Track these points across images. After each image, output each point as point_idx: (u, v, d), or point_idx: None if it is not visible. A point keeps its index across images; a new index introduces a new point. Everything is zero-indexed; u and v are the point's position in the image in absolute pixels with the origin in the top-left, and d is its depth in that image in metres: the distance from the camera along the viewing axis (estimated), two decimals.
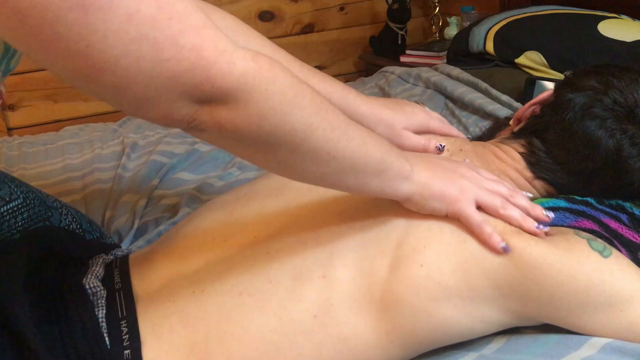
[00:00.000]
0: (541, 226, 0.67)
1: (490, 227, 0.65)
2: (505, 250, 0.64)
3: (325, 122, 0.57)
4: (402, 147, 0.77)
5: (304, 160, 0.57)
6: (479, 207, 0.67)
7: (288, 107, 0.54)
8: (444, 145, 0.81)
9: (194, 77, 0.48)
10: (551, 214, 0.69)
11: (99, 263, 0.75)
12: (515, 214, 0.67)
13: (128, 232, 1.11)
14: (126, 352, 0.64)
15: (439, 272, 0.64)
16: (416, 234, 0.67)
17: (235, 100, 0.50)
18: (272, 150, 0.56)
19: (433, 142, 0.81)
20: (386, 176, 0.63)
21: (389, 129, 0.80)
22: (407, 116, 0.82)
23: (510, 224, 0.67)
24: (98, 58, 0.45)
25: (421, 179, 0.66)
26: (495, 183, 0.70)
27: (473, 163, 0.79)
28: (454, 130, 0.84)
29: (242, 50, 0.51)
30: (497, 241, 0.64)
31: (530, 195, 0.72)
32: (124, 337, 0.65)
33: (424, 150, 0.81)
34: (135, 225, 1.12)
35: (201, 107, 0.50)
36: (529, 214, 0.68)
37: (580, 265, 0.64)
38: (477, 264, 0.65)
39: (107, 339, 0.65)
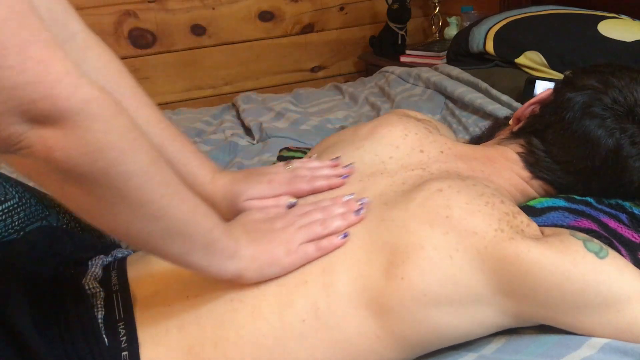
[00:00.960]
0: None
1: (326, 241, 0.68)
2: (345, 236, 0.68)
3: (161, 175, 0.55)
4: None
5: (132, 212, 0.54)
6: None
7: (127, 146, 0.51)
8: (295, 202, 0.77)
9: (35, 91, 0.45)
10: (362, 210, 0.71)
11: (98, 264, 0.75)
12: (338, 209, 0.71)
13: None
14: (124, 353, 0.64)
15: (423, 284, 0.64)
16: (397, 249, 0.66)
17: (74, 125, 0.47)
18: (101, 192, 0.51)
19: (283, 199, 0.77)
20: (213, 250, 0.62)
21: (232, 205, 0.77)
22: (250, 186, 0.78)
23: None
24: None
25: (247, 253, 0.65)
26: (308, 216, 0.71)
27: (458, 166, 0.78)
28: (300, 189, 0.78)
29: (89, 80, 0.48)
30: (335, 242, 0.68)
31: (350, 196, 0.73)
32: (121, 338, 0.65)
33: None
34: None
35: (33, 128, 0.46)
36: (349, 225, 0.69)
37: (575, 266, 0.63)
38: (470, 273, 0.64)
39: (105, 340, 0.65)
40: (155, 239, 0.58)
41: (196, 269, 0.63)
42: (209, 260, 0.62)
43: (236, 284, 0.67)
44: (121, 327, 0.66)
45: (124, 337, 0.65)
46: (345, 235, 0.68)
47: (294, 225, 0.70)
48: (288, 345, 0.65)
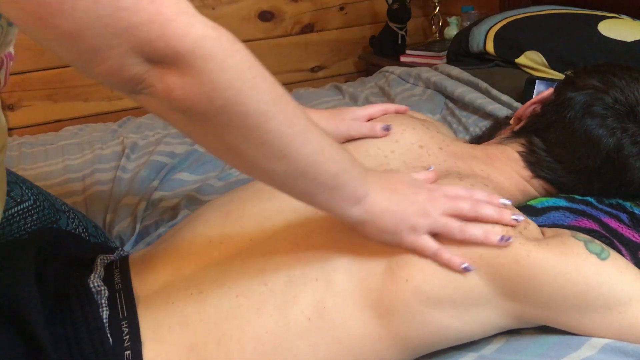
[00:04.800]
0: (506, 239, 0.64)
1: (448, 253, 0.63)
2: (467, 270, 0.63)
3: (283, 115, 0.54)
4: (349, 136, 0.80)
5: (254, 151, 0.54)
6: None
7: (245, 85, 0.51)
8: (389, 125, 0.80)
9: (149, 31, 0.46)
10: (520, 217, 0.66)
11: (101, 263, 0.75)
12: (476, 233, 0.64)
13: (130, 237, 1.11)
14: (127, 352, 0.64)
15: (427, 286, 0.64)
16: (400, 250, 0.66)
17: (189, 65, 0.48)
18: (222, 131, 0.52)
19: (377, 125, 0.80)
20: (337, 194, 0.61)
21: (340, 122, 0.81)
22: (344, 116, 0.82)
23: (472, 243, 0.64)
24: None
25: (375, 208, 0.63)
26: (456, 201, 0.66)
27: (458, 165, 0.78)
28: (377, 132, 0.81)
29: (204, 18, 0.49)
30: (457, 264, 0.63)
31: (508, 202, 0.68)
32: (124, 337, 0.65)
33: (372, 134, 0.80)
34: (137, 229, 1.12)
35: (152, 68, 0.48)
36: (498, 221, 0.65)
37: (577, 269, 0.63)
38: (469, 277, 0.64)
39: (110, 339, 0.65)
40: (279, 178, 0.59)
41: (321, 209, 0.63)
42: (332, 203, 0.62)
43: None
44: (124, 325, 0.66)
45: (127, 336, 0.65)
46: (508, 239, 0.63)
47: (437, 205, 0.65)
48: (292, 342, 0.64)
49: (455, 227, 0.64)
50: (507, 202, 0.67)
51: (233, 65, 0.50)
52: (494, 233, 0.64)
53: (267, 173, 0.58)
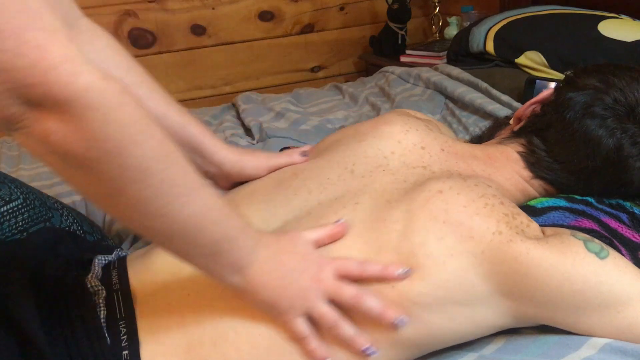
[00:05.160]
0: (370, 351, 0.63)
1: (316, 342, 0.63)
2: None
3: (166, 174, 0.52)
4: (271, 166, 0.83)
5: (130, 205, 0.53)
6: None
7: (126, 140, 0.49)
8: (307, 151, 0.84)
9: (30, 76, 0.45)
10: (405, 319, 0.63)
11: (99, 264, 0.75)
12: (345, 334, 0.63)
13: (128, 235, 1.11)
14: (125, 352, 0.64)
15: (412, 292, 0.64)
16: (393, 255, 0.65)
17: (69, 113, 0.46)
18: (97, 180, 0.51)
19: (294, 153, 0.84)
20: (216, 260, 0.60)
21: (241, 171, 0.83)
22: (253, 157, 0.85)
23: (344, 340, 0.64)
24: None
25: (255, 280, 0.62)
26: (340, 285, 0.64)
27: (459, 166, 0.78)
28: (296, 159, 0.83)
29: (93, 68, 0.47)
30: (319, 358, 0.63)
31: (406, 271, 0.64)
32: (122, 337, 0.65)
33: (290, 162, 0.83)
34: None
35: (31, 110, 0.46)
36: (378, 319, 0.63)
37: (575, 268, 0.63)
38: (464, 277, 0.64)
39: (108, 339, 0.65)
40: (155, 235, 0.58)
41: (198, 269, 0.62)
42: (210, 268, 0.61)
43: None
44: (122, 326, 0.66)
45: (125, 336, 0.65)
46: (373, 353, 0.63)
47: (329, 268, 0.64)
48: (284, 346, 0.64)
49: (329, 321, 0.63)
50: (403, 271, 0.64)
51: (116, 119, 0.49)
52: (360, 343, 0.63)
53: (142, 228, 0.57)
